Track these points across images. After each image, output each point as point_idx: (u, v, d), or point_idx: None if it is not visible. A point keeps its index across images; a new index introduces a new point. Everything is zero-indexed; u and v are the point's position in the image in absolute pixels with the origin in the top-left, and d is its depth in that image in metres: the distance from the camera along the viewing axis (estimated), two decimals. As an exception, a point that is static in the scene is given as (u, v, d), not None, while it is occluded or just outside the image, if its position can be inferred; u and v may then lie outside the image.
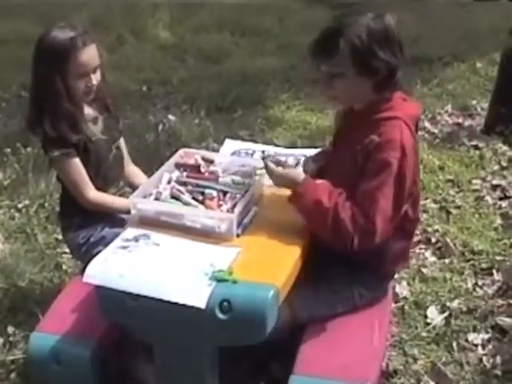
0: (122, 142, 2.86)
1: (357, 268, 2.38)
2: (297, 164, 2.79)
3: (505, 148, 4.56)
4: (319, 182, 2.30)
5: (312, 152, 2.88)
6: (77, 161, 2.59)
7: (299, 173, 2.34)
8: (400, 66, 2.24)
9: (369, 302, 2.49)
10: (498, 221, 3.70)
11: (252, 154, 2.90)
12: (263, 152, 2.91)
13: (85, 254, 2.62)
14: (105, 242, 2.50)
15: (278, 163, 2.37)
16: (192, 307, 1.98)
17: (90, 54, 2.53)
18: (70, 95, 2.54)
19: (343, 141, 2.44)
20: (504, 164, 4.35)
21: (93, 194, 2.63)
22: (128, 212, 2.46)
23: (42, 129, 2.55)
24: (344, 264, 2.37)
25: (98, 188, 2.66)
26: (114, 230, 2.60)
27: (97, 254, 2.24)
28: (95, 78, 2.58)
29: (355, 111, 2.39)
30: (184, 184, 2.48)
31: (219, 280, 2.03)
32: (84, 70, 2.53)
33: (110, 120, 2.78)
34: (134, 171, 2.94)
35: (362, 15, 2.21)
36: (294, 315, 2.35)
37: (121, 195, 2.78)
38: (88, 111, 2.68)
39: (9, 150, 4.51)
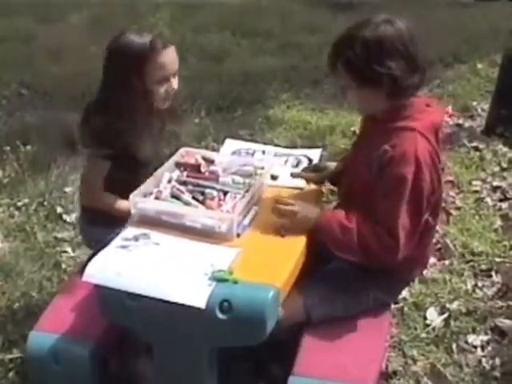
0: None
1: (373, 272, 2.37)
2: (297, 164, 2.79)
3: (505, 149, 4.57)
4: (330, 211, 2.36)
5: (312, 152, 2.89)
6: (104, 164, 2.53)
7: (312, 210, 2.33)
8: (406, 74, 2.18)
9: (382, 306, 2.49)
10: (498, 222, 3.70)
11: (252, 154, 2.90)
12: (263, 151, 2.91)
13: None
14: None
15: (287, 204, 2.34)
16: (192, 307, 1.97)
17: (170, 56, 2.47)
18: (146, 101, 2.49)
19: (361, 148, 2.44)
20: (504, 165, 4.36)
21: (96, 196, 2.61)
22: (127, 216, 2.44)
23: (93, 123, 2.49)
24: (360, 267, 2.37)
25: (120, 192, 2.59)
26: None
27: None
28: (175, 83, 2.52)
29: (374, 118, 2.38)
30: (184, 183, 2.48)
31: (219, 280, 2.02)
32: (165, 73, 2.46)
33: (168, 133, 2.77)
34: None
35: (367, 23, 2.19)
36: (309, 315, 2.36)
37: None
38: (157, 124, 2.65)
39: (8, 148, 4.51)
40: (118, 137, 2.47)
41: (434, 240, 3.48)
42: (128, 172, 2.56)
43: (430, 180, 2.20)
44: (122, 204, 2.58)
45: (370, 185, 2.24)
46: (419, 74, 2.22)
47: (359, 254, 2.23)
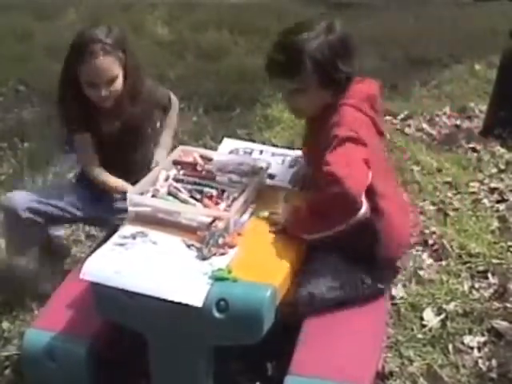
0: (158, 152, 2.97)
1: (358, 256, 2.38)
2: (294, 164, 2.80)
3: (503, 151, 4.56)
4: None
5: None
6: (84, 136, 2.70)
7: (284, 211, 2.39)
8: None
9: (373, 294, 2.49)
10: (495, 224, 3.69)
11: (250, 153, 2.90)
12: (261, 151, 2.92)
13: None
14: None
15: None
16: (189, 306, 1.97)
17: (98, 67, 2.53)
18: (77, 90, 2.62)
19: (311, 147, 2.49)
20: (502, 167, 4.35)
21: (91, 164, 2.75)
22: (117, 192, 2.62)
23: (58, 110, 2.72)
24: (345, 253, 2.39)
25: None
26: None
27: None
28: (106, 90, 2.58)
29: (314, 118, 2.45)
30: (181, 182, 2.48)
31: (218, 279, 2.02)
32: (91, 80, 2.56)
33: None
34: None
35: (315, 27, 2.28)
36: (296, 293, 2.34)
37: None
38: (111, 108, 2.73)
39: (6, 144, 4.50)
40: (75, 121, 2.69)
41: (431, 241, 3.50)
42: (100, 152, 2.75)
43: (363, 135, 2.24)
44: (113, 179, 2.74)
45: None
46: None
47: (315, 218, 2.22)
